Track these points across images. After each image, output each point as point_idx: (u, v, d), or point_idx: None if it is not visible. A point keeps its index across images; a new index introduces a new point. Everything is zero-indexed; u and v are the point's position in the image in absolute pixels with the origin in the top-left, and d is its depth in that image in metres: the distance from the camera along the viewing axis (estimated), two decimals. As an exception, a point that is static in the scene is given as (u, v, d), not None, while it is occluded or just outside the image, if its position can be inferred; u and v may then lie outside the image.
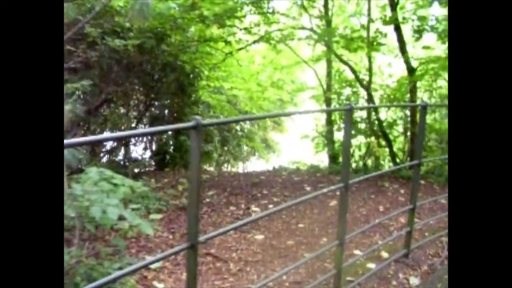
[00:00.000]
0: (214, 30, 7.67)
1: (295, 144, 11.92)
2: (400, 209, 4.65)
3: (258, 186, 6.46)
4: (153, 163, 9.35)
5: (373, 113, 7.79)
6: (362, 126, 8.20)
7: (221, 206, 5.46)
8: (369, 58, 7.82)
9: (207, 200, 5.68)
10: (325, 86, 9.05)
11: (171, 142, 9.52)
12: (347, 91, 8.55)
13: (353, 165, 8.36)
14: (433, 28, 7.04)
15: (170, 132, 9.43)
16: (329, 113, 8.77)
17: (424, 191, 6.28)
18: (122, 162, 8.77)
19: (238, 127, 12.55)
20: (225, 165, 12.03)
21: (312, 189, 6.12)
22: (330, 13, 8.65)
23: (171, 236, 4.38)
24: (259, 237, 4.34)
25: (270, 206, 5.35)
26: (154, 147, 9.56)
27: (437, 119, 8.56)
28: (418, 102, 7.26)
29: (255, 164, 12.62)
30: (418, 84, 7.84)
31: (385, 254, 3.94)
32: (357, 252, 3.97)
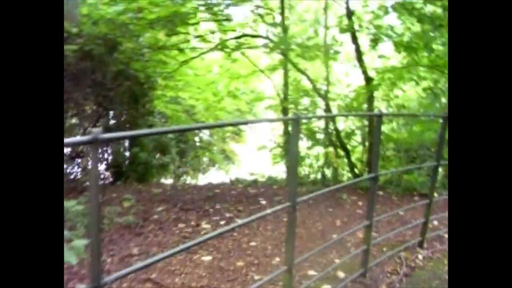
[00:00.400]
0: (163, 37, 7.30)
1: (254, 155, 11.59)
2: (357, 224, 4.43)
3: (212, 200, 6.12)
4: (109, 176, 8.80)
5: (331, 123, 7.63)
6: (321, 136, 8.03)
7: (169, 223, 5.07)
8: (326, 67, 7.69)
9: (155, 216, 5.28)
10: (282, 96, 8.84)
11: (126, 154, 9.03)
12: (305, 100, 8.37)
13: (312, 176, 8.17)
14: (389, 37, 6.97)
15: (126, 144, 8.90)
16: (285, 123, 8.55)
17: (383, 202, 6.14)
18: (73, 176, 8.20)
19: (196, 138, 12.12)
20: (184, 176, 11.57)
21: (268, 202, 5.83)
22: (287, 22, 8.46)
23: (109, 260, 3.95)
24: (207, 258, 3.99)
25: (222, 222, 5.01)
26: (110, 159, 9.02)
27: (395, 129, 8.52)
28: (375, 111, 7.15)
29: (214, 176, 12.20)
30: (376, 93, 7.76)
31: (341, 274, 3.69)
32: (311, 272, 3.69)
